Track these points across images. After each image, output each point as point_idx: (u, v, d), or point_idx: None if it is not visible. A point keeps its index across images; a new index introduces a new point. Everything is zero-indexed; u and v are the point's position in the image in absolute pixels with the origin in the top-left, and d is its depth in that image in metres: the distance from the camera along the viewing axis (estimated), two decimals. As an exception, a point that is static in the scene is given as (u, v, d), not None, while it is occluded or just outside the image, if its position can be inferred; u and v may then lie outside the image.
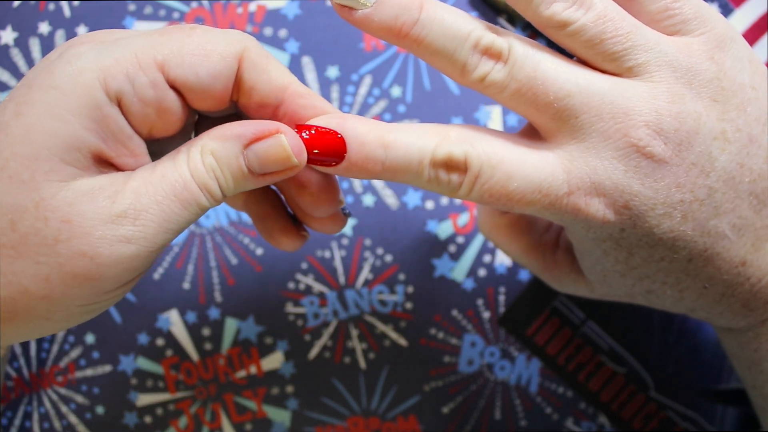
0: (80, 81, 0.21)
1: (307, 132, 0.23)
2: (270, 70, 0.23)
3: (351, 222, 0.36)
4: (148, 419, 0.36)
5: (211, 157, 0.23)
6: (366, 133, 0.23)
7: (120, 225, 0.21)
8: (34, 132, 0.21)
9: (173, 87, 0.23)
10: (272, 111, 0.24)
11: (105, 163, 0.22)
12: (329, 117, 0.24)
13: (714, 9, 0.25)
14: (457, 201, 0.36)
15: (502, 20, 0.37)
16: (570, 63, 0.23)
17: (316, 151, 0.23)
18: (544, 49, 0.23)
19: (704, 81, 0.23)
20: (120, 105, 0.22)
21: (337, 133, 0.23)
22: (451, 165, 0.23)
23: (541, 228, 0.31)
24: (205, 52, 0.23)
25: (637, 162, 0.22)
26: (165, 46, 0.22)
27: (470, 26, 0.23)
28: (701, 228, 0.23)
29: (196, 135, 0.28)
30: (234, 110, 0.26)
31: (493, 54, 0.23)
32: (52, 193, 0.21)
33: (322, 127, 0.23)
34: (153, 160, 0.26)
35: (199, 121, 0.28)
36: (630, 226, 0.23)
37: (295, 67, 0.36)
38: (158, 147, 0.26)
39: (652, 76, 0.23)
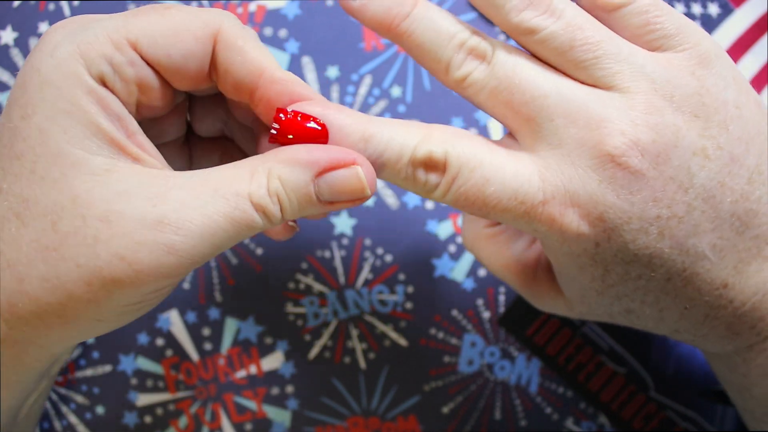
0: (66, 71, 0.21)
1: (285, 115, 0.23)
2: (246, 51, 0.23)
3: (351, 222, 0.36)
4: (148, 419, 0.36)
5: (278, 182, 0.22)
6: (348, 125, 0.23)
7: (161, 231, 0.20)
8: (47, 131, 0.21)
9: (149, 65, 0.22)
10: (248, 95, 0.24)
11: (120, 150, 0.22)
12: (312, 104, 0.23)
13: (698, 25, 0.24)
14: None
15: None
16: (551, 70, 0.23)
17: (291, 137, 0.23)
18: (528, 56, 0.24)
19: (684, 95, 0.23)
20: (105, 86, 0.22)
21: (316, 119, 0.23)
22: (430, 164, 0.23)
23: (523, 244, 0.30)
24: (176, 32, 0.22)
25: (612, 173, 0.22)
26: (136, 26, 0.22)
27: (458, 27, 0.24)
28: (679, 246, 0.23)
29: (191, 115, 0.27)
30: (218, 90, 0.26)
31: (477, 54, 0.23)
32: (86, 188, 0.21)
33: (303, 113, 0.23)
34: (156, 145, 0.26)
35: (191, 102, 0.27)
36: (605, 240, 0.23)
37: (295, 67, 0.36)
38: (157, 130, 0.26)
39: (629, 87, 0.22)
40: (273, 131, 0.23)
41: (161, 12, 0.22)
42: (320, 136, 0.23)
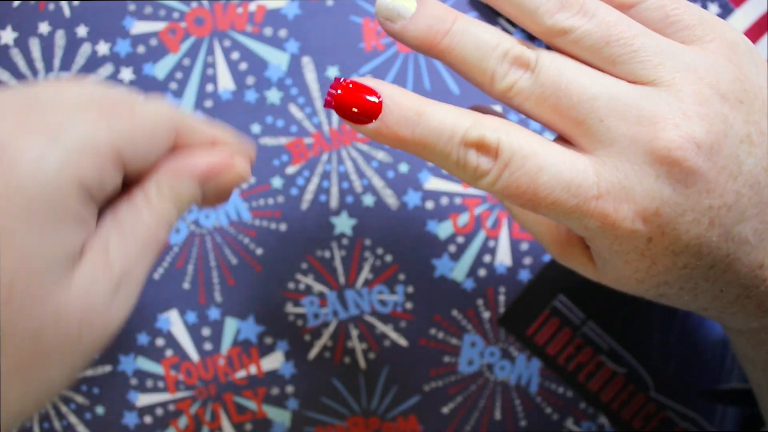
0: (58, 195, 0.19)
1: (344, 86, 0.24)
2: (196, 129, 0.24)
3: (351, 222, 0.36)
4: (148, 419, 0.36)
5: (169, 192, 0.23)
6: (404, 98, 0.23)
7: (118, 292, 0.22)
8: (28, 257, 0.19)
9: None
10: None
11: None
12: (367, 79, 0.24)
13: (716, 16, 0.24)
14: (457, 201, 0.36)
15: (502, 21, 0.37)
16: (595, 71, 0.23)
17: (355, 109, 0.23)
18: (571, 60, 0.24)
19: (728, 81, 0.23)
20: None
21: (375, 92, 0.23)
22: (482, 147, 0.23)
23: None
24: (152, 135, 0.22)
25: (668, 167, 0.22)
26: (118, 131, 0.21)
27: (500, 38, 0.24)
28: (726, 234, 0.23)
29: None
30: None
31: (521, 63, 0.23)
32: (64, 301, 0.20)
33: (360, 84, 0.23)
34: None
35: None
36: (658, 234, 0.23)
37: (295, 67, 0.36)
38: None
39: (674, 78, 0.22)
40: (328, 98, 0.24)
41: (132, 109, 0.22)
42: (374, 107, 0.23)
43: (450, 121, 0.23)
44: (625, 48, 0.23)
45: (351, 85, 0.23)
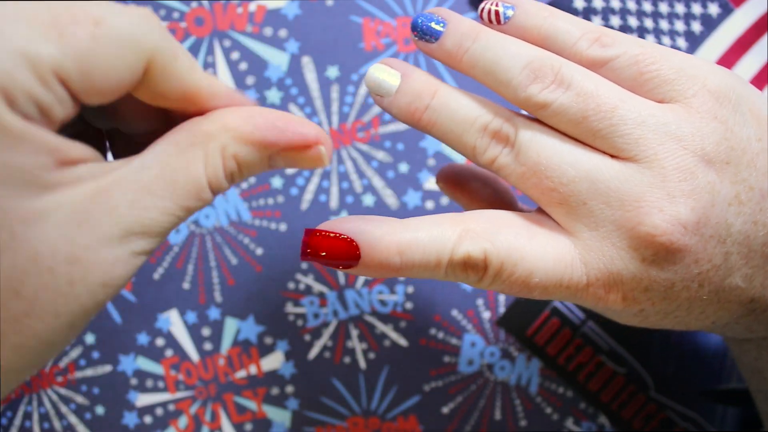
0: None
1: (316, 234, 0.23)
2: (181, 76, 0.20)
3: (351, 222, 0.36)
4: (148, 419, 0.36)
5: (234, 162, 0.20)
6: (380, 239, 0.22)
7: (130, 242, 0.19)
8: None
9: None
10: (181, 105, 0.21)
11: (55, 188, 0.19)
12: (342, 221, 0.23)
13: (696, 59, 0.23)
14: (457, 201, 0.36)
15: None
16: (576, 146, 0.22)
17: (324, 254, 0.22)
18: (551, 132, 0.23)
19: (714, 143, 0.22)
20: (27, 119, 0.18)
21: (351, 239, 0.22)
22: (470, 264, 0.22)
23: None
24: (110, 63, 0.18)
25: (654, 250, 0.22)
26: (66, 54, 0.18)
27: (479, 111, 0.23)
28: (716, 290, 0.23)
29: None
30: None
31: (500, 138, 0.23)
32: (43, 238, 0.18)
33: (335, 233, 0.22)
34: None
35: None
36: (649, 305, 0.23)
37: (295, 67, 0.36)
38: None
39: (656, 153, 0.22)
40: (306, 249, 0.23)
41: (91, 32, 0.18)
42: (352, 252, 0.22)
43: (434, 246, 0.22)
44: (603, 122, 0.22)
45: (331, 235, 0.22)
